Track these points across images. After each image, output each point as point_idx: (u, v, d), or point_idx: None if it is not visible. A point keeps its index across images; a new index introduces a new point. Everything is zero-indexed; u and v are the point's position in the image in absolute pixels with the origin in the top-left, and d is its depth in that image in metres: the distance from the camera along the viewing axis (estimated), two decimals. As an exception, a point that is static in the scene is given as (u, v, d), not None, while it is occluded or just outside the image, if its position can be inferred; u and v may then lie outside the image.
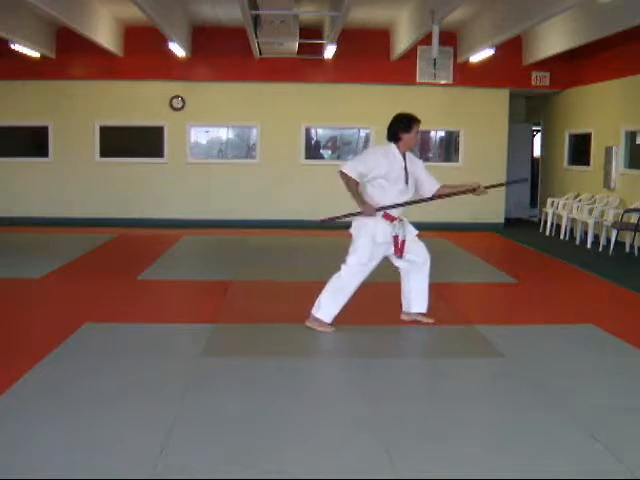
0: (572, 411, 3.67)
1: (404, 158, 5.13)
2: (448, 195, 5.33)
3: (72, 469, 2.93)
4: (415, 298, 5.38)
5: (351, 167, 5.05)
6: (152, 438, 3.24)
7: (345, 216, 5.26)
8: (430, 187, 5.27)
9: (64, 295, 6.50)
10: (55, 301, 6.27)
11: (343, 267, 5.15)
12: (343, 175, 5.04)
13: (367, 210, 5.03)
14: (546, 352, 4.83)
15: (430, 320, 5.42)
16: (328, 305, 5.14)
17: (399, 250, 5.15)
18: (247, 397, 3.85)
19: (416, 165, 5.23)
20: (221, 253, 9.46)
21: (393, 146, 5.12)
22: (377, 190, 5.07)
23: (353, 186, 5.06)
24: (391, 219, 5.10)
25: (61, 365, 4.34)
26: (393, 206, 5.07)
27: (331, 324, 5.18)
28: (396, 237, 5.12)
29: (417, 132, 5.16)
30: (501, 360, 4.60)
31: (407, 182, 5.12)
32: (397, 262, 5.33)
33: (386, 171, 5.03)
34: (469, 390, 4.09)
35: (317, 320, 5.16)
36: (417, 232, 5.30)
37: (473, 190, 5.28)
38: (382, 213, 5.07)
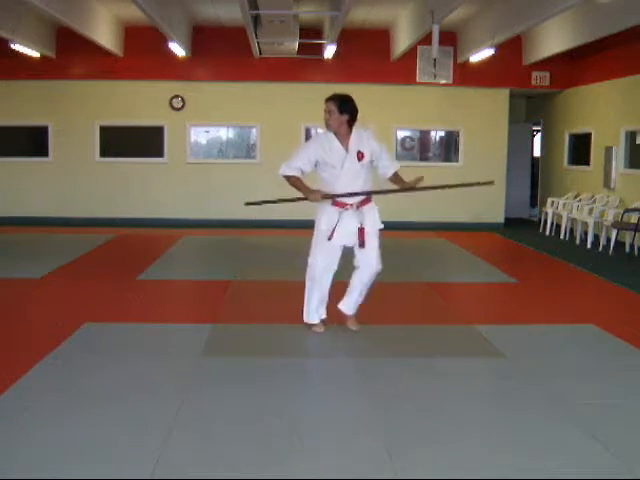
0: (572, 411, 3.67)
1: (344, 140, 4.95)
2: (401, 190, 5.15)
3: (72, 469, 2.93)
4: (345, 296, 5.19)
5: (286, 167, 5.01)
6: (152, 438, 3.23)
7: (277, 201, 5.25)
8: (384, 170, 5.09)
9: (64, 295, 6.50)
10: (55, 301, 6.27)
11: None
12: (284, 177, 5.01)
13: (311, 196, 4.92)
14: (546, 352, 4.83)
15: (353, 326, 5.19)
16: (307, 305, 5.13)
17: (360, 238, 4.92)
18: (247, 397, 3.84)
19: (369, 145, 4.97)
20: (221, 253, 9.46)
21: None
22: (325, 176, 4.98)
23: (294, 182, 4.99)
24: (341, 205, 4.94)
25: (61, 365, 4.33)
26: (341, 195, 4.89)
27: (321, 322, 5.16)
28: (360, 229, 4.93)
29: (325, 110, 5.01)
30: (501, 360, 4.59)
31: (357, 164, 4.91)
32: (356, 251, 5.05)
33: (322, 158, 4.94)
34: (469, 390, 4.08)
35: (307, 324, 5.17)
36: (381, 227, 5.02)
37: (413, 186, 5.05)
38: (331, 200, 4.94)
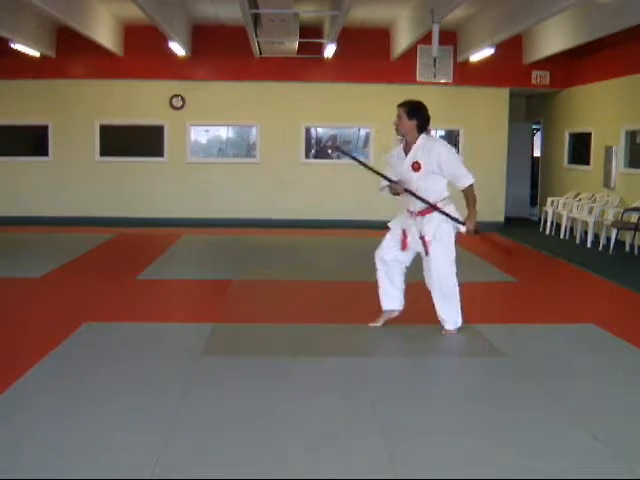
0: (572, 411, 3.67)
1: (410, 146, 5.02)
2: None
3: (72, 469, 2.93)
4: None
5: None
6: (152, 438, 3.24)
7: (365, 165, 5.22)
8: (455, 183, 4.99)
9: (64, 295, 6.50)
10: (55, 301, 6.27)
11: None
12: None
13: (395, 186, 4.98)
14: (546, 351, 4.83)
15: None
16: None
17: (403, 243, 5.05)
18: (247, 397, 3.85)
19: (432, 156, 4.91)
20: (221, 252, 9.46)
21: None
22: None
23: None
24: (409, 212, 5.05)
25: (61, 365, 4.34)
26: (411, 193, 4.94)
27: (385, 314, 5.26)
28: (404, 231, 5.05)
29: (397, 115, 5.05)
30: (501, 360, 4.59)
31: (411, 172, 4.94)
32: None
33: (391, 163, 5.11)
34: (469, 390, 4.09)
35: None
36: (445, 235, 4.97)
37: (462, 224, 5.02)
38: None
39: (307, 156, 12.59)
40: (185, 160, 12.41)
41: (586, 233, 10.35)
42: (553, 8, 7.86)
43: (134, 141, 12.47)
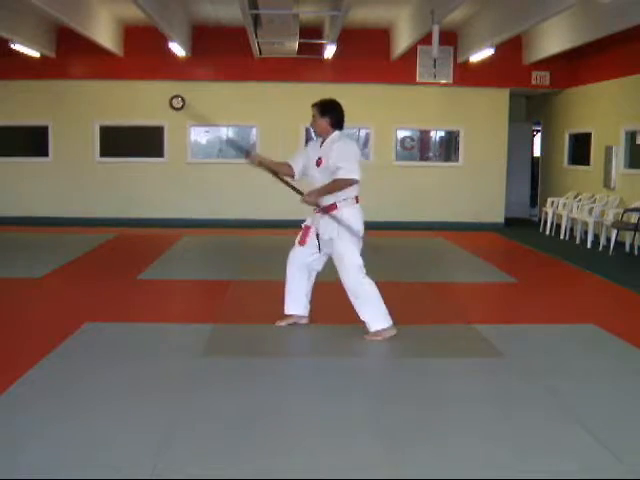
0: (572, 411, 3.67)
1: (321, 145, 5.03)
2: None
3: (72, 469, 2.93)
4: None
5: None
6: (152, 438, 3.23)
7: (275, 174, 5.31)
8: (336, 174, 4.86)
9: (64, 295, 6.50)
10: (55, 301, 6.27)
11: None
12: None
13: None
14: (546, 352, 4.82)
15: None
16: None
17: (303, 236, 5.06)
18: (247, 397, 3.84)
19: (331, 149, 4.89)
20: (221, 253, 9.45)
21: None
22: None
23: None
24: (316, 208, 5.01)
25: (61, 365, 4.33)
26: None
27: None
28: (306, 227, 5.07)
29: (312, 116, 5.03)
30: (501, 360, 4.59)
31: (315, 169, 4.96)
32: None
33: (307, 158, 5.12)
34: (469, 390, 4.08)
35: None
36: (333, 235, 4.87)
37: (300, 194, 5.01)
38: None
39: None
40: (185, 161, 12.42)
41: (586, 233, 10.35)
42: (553, 9, 7.87)
43: (134, 142, 12.47)
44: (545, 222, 11.72)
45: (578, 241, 10.57)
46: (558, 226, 11.29)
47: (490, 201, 12.56)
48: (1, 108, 12.09)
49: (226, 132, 12.91)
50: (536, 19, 8.50)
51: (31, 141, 12.53)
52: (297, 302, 5.24)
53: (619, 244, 9.70)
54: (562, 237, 10.94)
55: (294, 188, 5.14)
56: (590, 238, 10.16)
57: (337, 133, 4.97)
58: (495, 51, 10.41)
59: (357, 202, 4.95)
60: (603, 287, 7.28)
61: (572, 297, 6.75)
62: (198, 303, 6.55)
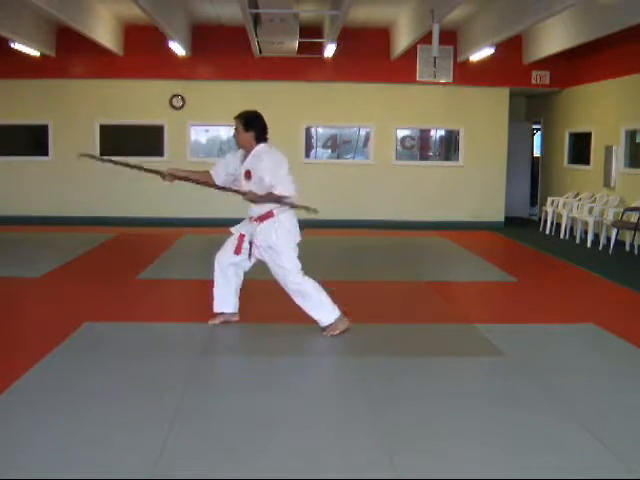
0: (572, 410, 3.67)
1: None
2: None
3: (72, 469, 2.93)
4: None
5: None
6: (152, 438, 3.24)
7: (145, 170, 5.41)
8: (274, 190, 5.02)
9: (64, 294, 6.49)
10: (55, 300, 6.26)
11: None
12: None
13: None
14: (546, 351, 4.83)
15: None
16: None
17: (237, 247, 5.14)
18: (247, 396, 3.84)
19: (259, 162, 4.97)
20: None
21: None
22: None
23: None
24: (249, 217, 5.15)
25: (60, 365, 4.33)
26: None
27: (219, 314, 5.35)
28: (241, 235, 5.14)
29: (235, 128, 5.08)
30: (501, 359, 4.59)
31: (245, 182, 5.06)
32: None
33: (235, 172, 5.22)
34: (469, 389, 4.09)
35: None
36: (270, 244, 5.00)
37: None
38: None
39: (307, 156, 12.61)
40: (185, 160, 12.40)
41: (586, 233, 10.35)
42: (553, 8, 7.86)
43: (134, 141, 12.46)
44: (545, 221, 11.72)
45: (578, 240, 10.57)
46: (558, 225, 11.29)
47: (490, 200, 12.55)
48: (1, 107, 12.09)
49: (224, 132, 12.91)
50: (536, 18, 8.50)
51: (31, 140, 12.53)
52: (227, 300, 5.35)
53: (619, 243, 9.70)
54: (562, 236, 10.94)
55: (231, 190, 5.23)
56: (590, 237, 10.16)
57: (261, 145, 5.02)
58: (495, 50, 10.41)
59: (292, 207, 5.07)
60: (603, 286, 7.28)
61: (572, 296, 6.75)
62: (198, 303, 6.53)
